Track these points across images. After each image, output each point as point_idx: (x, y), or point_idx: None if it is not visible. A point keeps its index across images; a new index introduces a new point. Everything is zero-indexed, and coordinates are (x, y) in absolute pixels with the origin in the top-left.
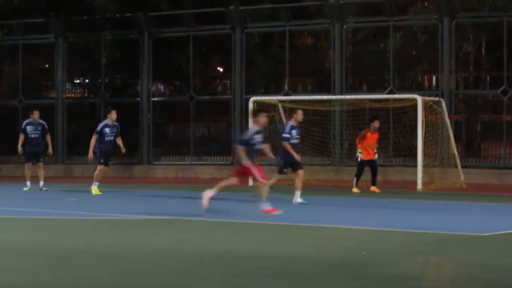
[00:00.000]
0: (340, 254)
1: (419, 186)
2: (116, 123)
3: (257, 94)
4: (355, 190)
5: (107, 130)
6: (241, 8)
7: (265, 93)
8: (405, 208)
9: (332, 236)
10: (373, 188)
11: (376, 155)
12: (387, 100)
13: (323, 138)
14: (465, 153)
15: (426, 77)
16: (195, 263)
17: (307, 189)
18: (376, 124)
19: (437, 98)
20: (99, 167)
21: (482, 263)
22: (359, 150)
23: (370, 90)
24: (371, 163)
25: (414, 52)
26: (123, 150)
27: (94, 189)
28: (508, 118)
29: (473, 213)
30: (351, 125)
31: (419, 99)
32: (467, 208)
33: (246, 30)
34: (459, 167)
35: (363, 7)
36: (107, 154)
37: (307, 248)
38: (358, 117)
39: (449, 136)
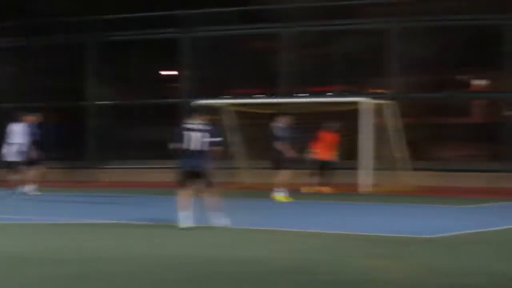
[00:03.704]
0: (292, 258)
1: (368, 188)
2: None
3: (206, 97)
4: (324, 189)
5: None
6: (188, 11)
7: (214, 96)
8: (354, 211)
9: (283, 240)
10: (321, 188)
11: (335, 156)
12: (335, 103)
13: (269, 142)
14: (414, 155)
15: (374, 81)
16: (142, 268)
17: (256, 192)
18: (334, 124)
19: (384, 101)
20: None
21: (431, 266)
22: (311, 150)
23: (318, 94)
24: (327, 164)
25: (362, 56)
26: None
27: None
28: (455, 121)
29: (422, 215)
30: (299, 128)
31: (368, 102)
32: (416, 210)
33: (194, 34)
34: (407, 170)
35: (311, 11)
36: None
37: (257, 252)
38: (306, 120)
39: (397, 139)
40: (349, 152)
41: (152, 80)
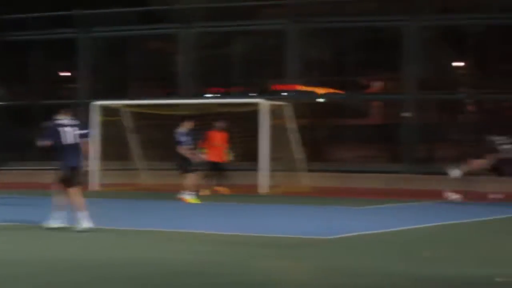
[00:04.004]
0: (189, 260)
1: (265, 190)
2: None
3: (104, 98)
4: (220, 190)
5: None
6: (86, 11)
7: (113, 97)
8: (251, 212)
9: (181, 242)
10: (218, 189)
11: (230, 157)
12: (233, 104)
13: (170, 143)
14: (310, 157)
15: (272, 82)
16: (39, 271)
17: (155, 194)
18: (221, 124)
19: (282, 103)
20: None
21: (329, 267)
22: (201, 151)
23: (217, 95)
24: (218, 164)
25: (261, 57)
26: None
27: None
28: (352, 123)
29: (320, 216)
30: (198, 129)
31: (265, 104)
32: (313, 211)
33: (92, 34)
34: (304, 171)
35: (211, 12)
36: None
37: (154, 254)
38: (205, 121)
39: (294, 140)
40: (249, 153)
41: (51, 81)
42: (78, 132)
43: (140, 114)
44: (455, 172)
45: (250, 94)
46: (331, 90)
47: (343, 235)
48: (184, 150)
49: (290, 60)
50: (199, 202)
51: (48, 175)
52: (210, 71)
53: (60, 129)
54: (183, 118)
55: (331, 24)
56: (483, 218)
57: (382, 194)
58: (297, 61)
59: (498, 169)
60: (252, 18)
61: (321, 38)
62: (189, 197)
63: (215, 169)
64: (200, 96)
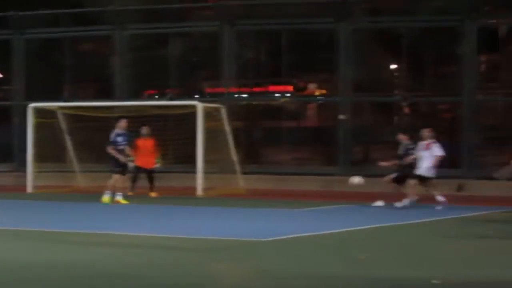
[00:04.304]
0: (121, 262)
1: (200, 192)
2: None
3: (38, 100)
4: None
5: None
6: (21, 13)
7: (47, 99)
8: (186, 214)
9: (113, 244)
10: (150, 194)
11: (158, 165)
12: (168, 106)
13: (105, 145)
14: (245, 159)
15: (207, 84)
16: None
17: (90, 196)
18: (145, 129)
19: (217, 105)
20: None
21: (262, 269)
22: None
23: (152, 97)
24: (144, 170)
25: (195, 59)
26: None
27: None
28: (287, 125)
29: (253, 218)
30: (134, 132)
31: (200, 106)
32: (248, 213)
33: (26, 36)
34: (239, 173)
35: (145, 14)
36: None
37: (84, 256)
38: (140, 124)
39: (229, 142)
40: (185, 155)
41: None
42: None
43: (75, 116)
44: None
45: (185, 96)
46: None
47: (277, 238)
48: (112, 150)
49: (225, 62)
50: (127, 203)
51: None
52: (145, 73)
53: None
54: (119, 118)
55: (266, 26)
56: (420, 220)
57: (317, 196)
58: (232, 63)
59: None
60: (186, 20)
61: (256, 40)
62: (107, 197)
63: (144, 173)
64: (135, 98)
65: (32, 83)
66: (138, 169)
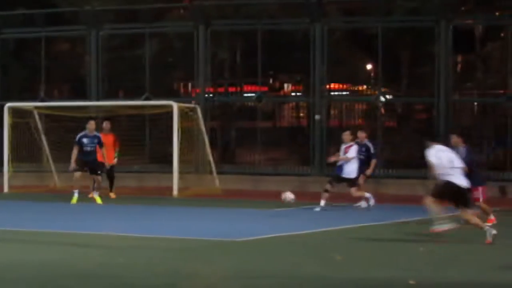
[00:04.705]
0: (95, 262)
1: (175, 192)
2: None
3: (13, 100)
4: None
5: None
6: None
7: (21, 99)
8: (161, 214)
9: (87, 244)
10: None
11: (115, 160)
12: (143, 106)
13: None
14: (221, 159)
15: (182, 84)
16: None
17: (65, 196)
18: (106, 125)
19: (192, 105)
20: None
21: (236, 269)
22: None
23: (126, 97)
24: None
25: (170, 59)
26: None
27: None
28: (262, 125)
29: (229, 219)
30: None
31: (175, 106)
32: (223, 214)
33: (1, 36)
34: (215, 173)
35: (120, 14)
36: None
37: (58, 255)
38: (115, 124)
39: (204, 142)
40: (160, 155)
41: None
42: None
43: (50, 116)
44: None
45: (159, 96)
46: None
47: (252, 238)
48: (74, 150)
49: (200, 62)
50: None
51: None
52: (120, 73)
53: None
54: (88, 119)
55: (241, 27)
56: (397, 220)
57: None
58: (207, 63)
59: None
60: (161, 20)
61: (231, 40)
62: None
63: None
64: (111, 98)
65: (7, 83)
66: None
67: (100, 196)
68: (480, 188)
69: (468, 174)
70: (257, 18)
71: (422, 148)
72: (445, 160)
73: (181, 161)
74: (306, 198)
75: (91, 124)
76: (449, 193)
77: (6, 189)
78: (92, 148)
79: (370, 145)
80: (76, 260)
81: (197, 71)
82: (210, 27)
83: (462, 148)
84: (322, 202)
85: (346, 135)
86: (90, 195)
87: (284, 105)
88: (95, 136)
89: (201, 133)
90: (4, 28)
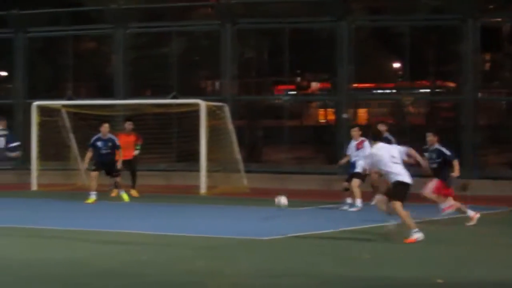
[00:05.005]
0: (119, 260)
1: (202, 190)
2: None
3: (40, 98)
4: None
5: None
6: (22, 12)
7: (49, 97)
8: (187, 212)
9: (111, 241)
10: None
11: (136, 152)
12: (170, 105)
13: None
14: (248, 158)
15: (209, 83)
16: None
17: (84, 194)
18: (128, 125)
19: (220, 104)
20: None
21: (261, 267)
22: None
23: (153, 95)
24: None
25: (197, 58)
26: None
27: None
28: (289, 124)
29: (255, 217)
30: (136, 130)
31: (202, 104)
32: (249, 212)
33: (28, 34)
34: (242, 172)
35: (146, 12)
36: None
37: (85, 254)
38: (141, 122)
39: (232, 141)
40: (187, 153)
41: None
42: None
43: (77, 114)
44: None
45: (186, 95)
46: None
47: (277, 236)
48: (88, 153)
49: (226, 61)
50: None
51: None
52: (146, 71)
53: None
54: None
55: (267, 25)
56: (422, 219)
57: (318, 195)
58: (233, 61)
59: None
60: (187, 19)
61: (257, 39)
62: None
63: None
64: (137, 96)
65: (34, 82)
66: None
67: (126, 192)
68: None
69: (439, 172)
70: (284, 17)
71: (447, 146)
72: (387, 154)
73: (208, 159)
74: (332, 197)
75: (105, 127)
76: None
77: (34, 187)
78: (107, 151)
79: (391, 137)
80: (100, 258)
81: (224, 69)
82: (237, 25)
83: (436, 147)
84: (358, 201)
85: (355, 131)
86: (113, 194)
87: (311, 103)
88: (109, 139)
89: (228, 131)
90: (31, 27)
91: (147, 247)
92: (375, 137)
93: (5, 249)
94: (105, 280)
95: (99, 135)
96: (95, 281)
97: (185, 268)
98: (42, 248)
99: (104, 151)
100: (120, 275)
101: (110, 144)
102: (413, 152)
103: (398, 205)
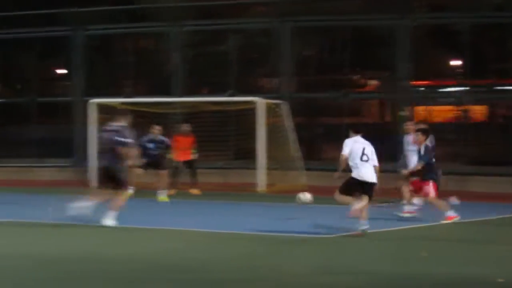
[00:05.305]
0: (178, 257)
1: (260, 188)
2: None
3: (98, 96)
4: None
5: None
6: (81, 9)
7: (106, 95)
8: (245, 210)
9: (170, 239)
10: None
11: (194, 155)
12: (227, 102)
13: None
14: (306, 155)
15: (267, 80)
16: (25, 267)
17: (144, 192)
18: (186, 127)
19: (278, 101)
20: None
21: (321, 265)
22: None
23: (210, 93)
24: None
25: (254, 55)
26: None
27: None
28: (348, 121)
29: (313, 215)
30: (194, 128)
31: (260, 102)
32: (308, 210)
33: (86, 32)
34: (301, 169)
35: (203, 10)
36: None
37: (145, 251)
38: (198, 120)
39: (290, 139)
40: (245, 151)
41: (45, 78)
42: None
43: (135, 112)
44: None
45: (243, 93)
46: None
47: (336, 234)
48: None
49: (284, 58)
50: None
51: (42, 172)
52: (203, 69)
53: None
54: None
55: (324, 23)
56: (485, 218)
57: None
58: (290, 59)
59: None
60: (243, 16)
61: (315, 36)
62: (161, 196)
63: (187, 169)
64: (193, 94)
65: (92, 79)
66: (181, 164)
67: (168, 195)
68: (430, 183)
69: (421, 169)
70: (341, 14)
71: (509, 145)
72: (358, 152)
73: (266, 157)
74: (389, 195)
75: (156, 129)
76: (355, 187)
77: (93, 185)
78: (157, 152)
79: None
80: (160, 255)
81: (282, 67)
82: (293, 23)
83: (424, 145)
84: (416, 200)
85: (411, 125)
86: (170, 192)
87: (369, 101)
88: (161, 141)
89: (286, 129)
90: (89, 25)
91: (205, 244)
92: (356, 129)
93: (73, 245)
94: (164, 276)
95: (151, 136)
96: (155, 277)
97: (244, 265)
98: (104, 244)
99: (153, 152)
100: (184, 271)
101: (161, 145)
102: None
103: (337, 194)
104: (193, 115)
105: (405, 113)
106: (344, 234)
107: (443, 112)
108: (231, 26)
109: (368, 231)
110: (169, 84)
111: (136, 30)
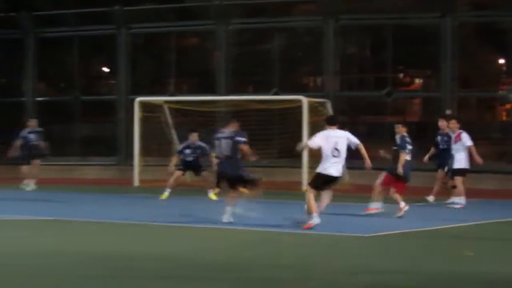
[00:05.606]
0: (222, 255)
1: (305, 187)
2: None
3: (143, 94)
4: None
5: None
6: (125, 8)
7: (151, 93)
8: (289, 209)
9: (214, 237)
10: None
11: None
12: (272, 101)
13: (208, 139)
14: (350, 154)
15: (311, 79)
16: (71, 264)
17: (194, 190)
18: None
19: (322, 100)
20: None
21: (364, 264)
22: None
23: (255, 91)
24: None
25: (299, 54)
26: None
27: None
28: (391, 120)
29: (356, 213)
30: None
31: (304, 100)
32: (351, 209)
33: (130, 31)
34: (345, 168)
35: (248, 9)
36: None
37: (189, 249)
38: (242, 119)
39: None
40: (285, 150)
41: (90, 77)
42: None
43: (179, 111)
44: None
45: (287, 91)
46: None
47: (379, 233)
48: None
49: (328, 56)
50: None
51: (87, 170)
52: (248, 67)
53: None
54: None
55: (369, 21)
56: None
57: (419, 192)
58: (335, 58)
59: None
60: (289, 15)
61: (360, 35)
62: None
63: None
64: (238, 92)
65: (137, 78)
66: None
67: (215, 194)
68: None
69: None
70: (386, 13)
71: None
72: (330, 145)
73: (310, 155)
74: (436, 193)
75: (194, 136)
76: (323, 182)
77: (136, 183)
78: (194, 157)
79: (452, 134)
80: (204, 253)
81: (326, 65)
82: (339, 21)
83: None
84: (459, 199)
85: (453, 123)
86: (215, 191)
87: (413, 100)
88: (198, 147)
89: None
90: (133, 23)
91: (249, 242)
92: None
93: (108, 243)
94: (210, 274)
95: (188, 142)
96: (201, 275)
97: (287, 264)
98: (150, 243)
99: (190, 158)
100: (225, 270)
101: (198, 151)
102: (362, 148)
103: (308, 189)
104: (237, 113)
105: (449, 111)
106: (385, 233)
107: (487, 111)
108: (276, 24)
109: (414, 230)
110: (214, 82)
111: (181, 28)
